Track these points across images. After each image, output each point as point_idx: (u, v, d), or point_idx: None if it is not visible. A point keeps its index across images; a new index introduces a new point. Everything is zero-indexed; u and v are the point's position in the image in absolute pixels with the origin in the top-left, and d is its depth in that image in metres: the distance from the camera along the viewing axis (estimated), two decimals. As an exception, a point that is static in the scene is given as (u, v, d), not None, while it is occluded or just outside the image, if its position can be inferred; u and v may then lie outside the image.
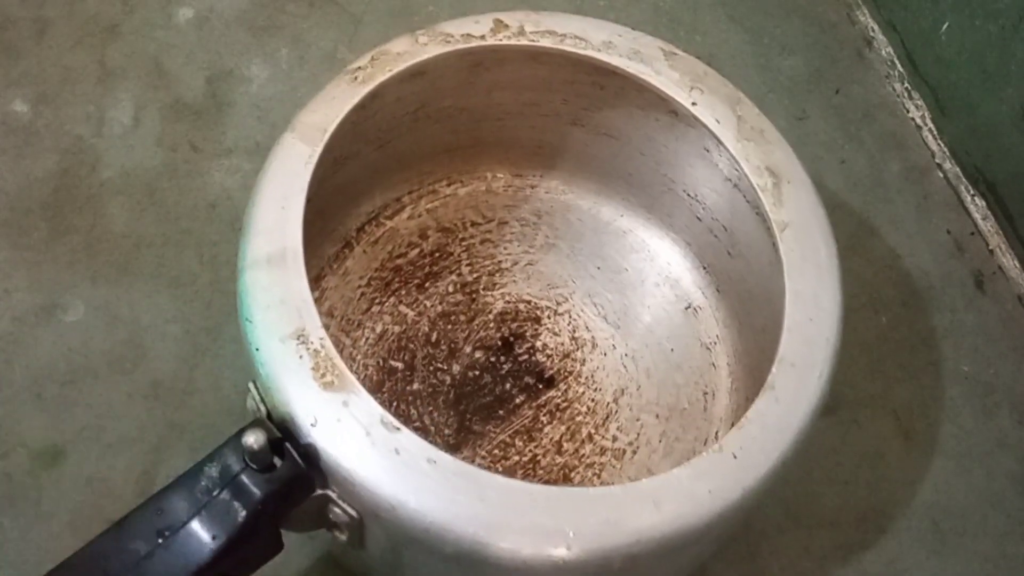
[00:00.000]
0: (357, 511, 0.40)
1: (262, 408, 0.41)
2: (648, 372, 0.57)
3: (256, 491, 0.39)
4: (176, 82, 0.68)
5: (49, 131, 0.65)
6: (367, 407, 0.40)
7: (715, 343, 0.58)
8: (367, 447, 0.39)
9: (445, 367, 0.56)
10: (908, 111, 0.73)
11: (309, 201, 0.45)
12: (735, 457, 0.41)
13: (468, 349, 0.57)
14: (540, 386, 0.56)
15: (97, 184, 0.63)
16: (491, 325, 0.58)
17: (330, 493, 0.41)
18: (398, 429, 0.40)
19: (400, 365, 0.56)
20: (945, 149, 0.71)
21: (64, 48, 0.69)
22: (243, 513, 0.38)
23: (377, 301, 0.57)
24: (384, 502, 0.39)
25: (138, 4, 0.71)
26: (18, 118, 0.65)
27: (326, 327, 0.42)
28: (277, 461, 0.39)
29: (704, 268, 0.59)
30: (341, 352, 0.54)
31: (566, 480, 0.53)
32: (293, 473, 0.39)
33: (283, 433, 0.40)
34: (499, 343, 0.57)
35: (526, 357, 0.57)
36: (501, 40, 0.51)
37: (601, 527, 0.39)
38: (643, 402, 0.56)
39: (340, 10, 0.73)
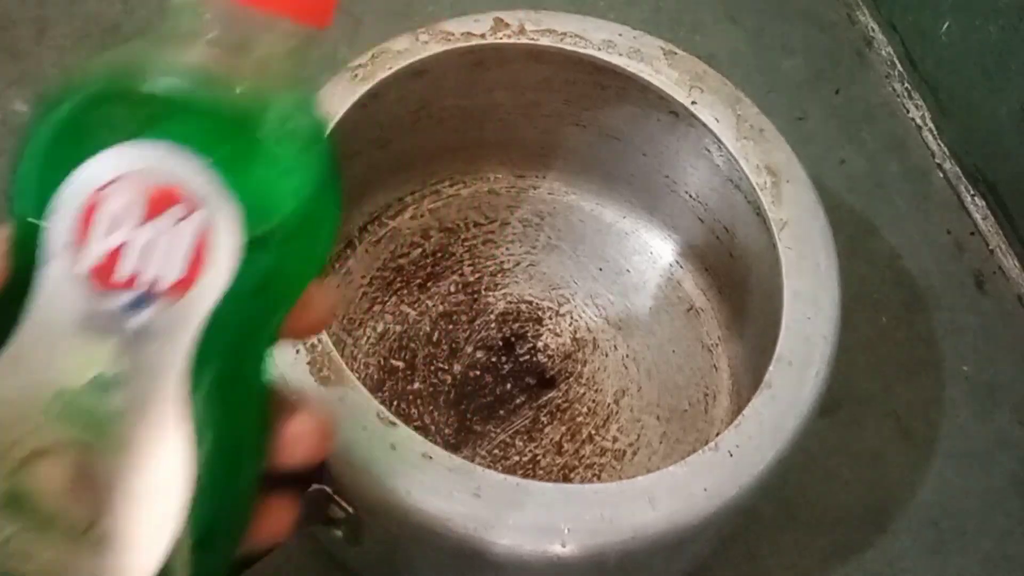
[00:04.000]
0: (353, 507, 0.40)
1: None
2: (649, 373, 0.57)
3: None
4: (178, 82, 0.68)
5: (51, 131, 0.65)
6: (364, 403, 0.40)
7: (716, 345, 0.58)
8: (363, 442, 0.39)
9: (446, 367, 0.56)
10: (908, 111, 0.73)
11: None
12: (731, 455, 0.41)
13: (469, 349, 0.57)
14: (541, 387, 0.56)
15: (99, 184, 0.63)
16: (492, 325, 0.58)
17: (326, 489, 0.41)
18: (394, 424, 0.40)
19: (401, 364, 0.56)
20: (945, 149, 0.71)
21: (64, 48, 0.69)
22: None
23: (379, 300, 0.57)
24: (380, 498, 0.39)
25: (138, 4, 0.71)
26: (18, 118, 0.65)
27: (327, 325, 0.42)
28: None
29: (706, 270, 0.59)
30: (342, 351, 0.54)
31: (566, 481, 0.53)
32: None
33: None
34: (500, 343, 0.57)
35: (527, 357, 0.57)
36: (501, 39, 0.52)
37: (597, 524, 0.39)
38: (644, 403, 0.56)
39: (340, 10, 0.72)
